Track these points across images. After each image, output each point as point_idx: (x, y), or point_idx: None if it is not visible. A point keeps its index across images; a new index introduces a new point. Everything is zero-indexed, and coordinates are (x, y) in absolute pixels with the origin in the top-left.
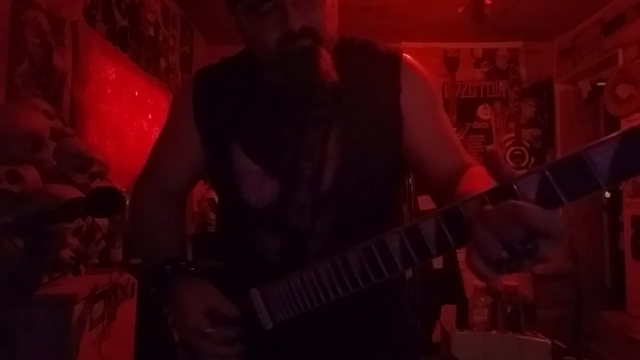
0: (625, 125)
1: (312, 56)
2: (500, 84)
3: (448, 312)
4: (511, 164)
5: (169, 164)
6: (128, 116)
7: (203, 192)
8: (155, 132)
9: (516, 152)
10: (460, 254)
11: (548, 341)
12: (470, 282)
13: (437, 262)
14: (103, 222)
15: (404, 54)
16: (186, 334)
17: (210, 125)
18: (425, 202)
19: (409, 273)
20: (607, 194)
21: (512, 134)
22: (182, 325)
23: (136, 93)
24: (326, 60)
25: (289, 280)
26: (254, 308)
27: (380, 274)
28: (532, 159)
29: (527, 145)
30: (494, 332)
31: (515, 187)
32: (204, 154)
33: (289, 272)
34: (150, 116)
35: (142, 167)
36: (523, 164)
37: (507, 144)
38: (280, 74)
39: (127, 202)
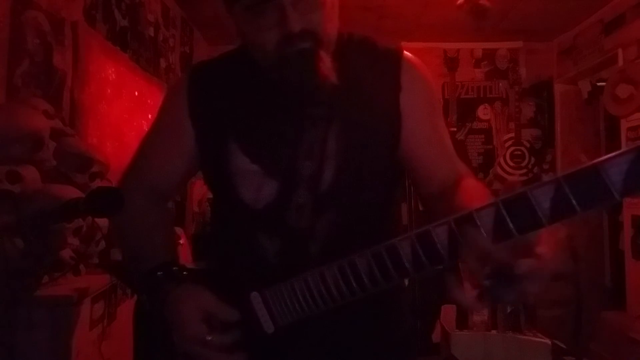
0: (625, 125)
1: (311, 59)
2: (500, 84)
3: (448, 312)
4: (511, 164)
5: (159, 160)
6: (128, 116)
7: (203, 192)
8: None
9: (516, 152)
10: None
11: (548, 341)
12: None
13: None
14: (103, 222)
15: (405, 51)
16: (184, 343)
17: (206, 122)
18: None
19: None
20: None
21: (512, 134)
22: (179, 333)
23: (136, 93)
24: (325, 63)
25: (293, 284)
26: (255, 312)
27: (390, 278)
28: (532, 159)
29: (527, 145)
30: (494, 332)
31: (530, 195)
32: (198, 151)
33: (289, 273)
34: (150, 116)
35: (129, 163)
36: (523, 164)
37: (507, 144)
38: (278, 75)
39: None
